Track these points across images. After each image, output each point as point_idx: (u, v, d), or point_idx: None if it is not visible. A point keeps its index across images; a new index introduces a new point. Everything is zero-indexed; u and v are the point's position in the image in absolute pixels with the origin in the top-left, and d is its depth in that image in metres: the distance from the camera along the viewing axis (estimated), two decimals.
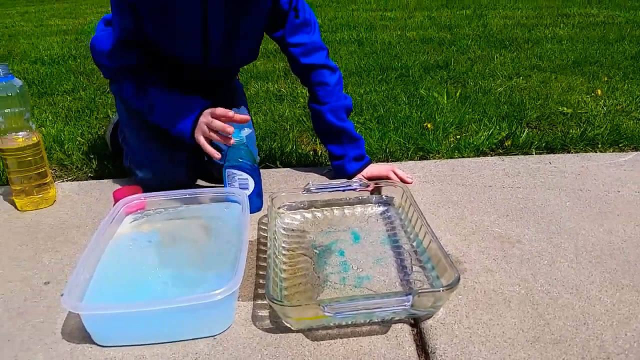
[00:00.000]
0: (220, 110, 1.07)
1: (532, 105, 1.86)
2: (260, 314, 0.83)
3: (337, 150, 1.29)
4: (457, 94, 2.08)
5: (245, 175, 1.12)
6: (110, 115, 1.87)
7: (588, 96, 1.97)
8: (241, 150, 1.11)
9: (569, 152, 1.47)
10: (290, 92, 2.19)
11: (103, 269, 0.87)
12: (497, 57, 2.69)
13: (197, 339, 0.78)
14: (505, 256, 0.97)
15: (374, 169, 1.28)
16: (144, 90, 1.14)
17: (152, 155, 1.23)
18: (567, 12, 4.23)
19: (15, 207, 1.22)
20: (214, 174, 1.29)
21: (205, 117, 1.07)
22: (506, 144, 1.50)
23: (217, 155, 1.06)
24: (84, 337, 0.79)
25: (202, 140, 1.07)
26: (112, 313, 0.75)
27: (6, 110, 1.15)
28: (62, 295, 0.90)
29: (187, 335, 0.77)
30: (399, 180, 1.24)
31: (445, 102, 2.00)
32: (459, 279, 0.78)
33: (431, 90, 2.15)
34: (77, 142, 1.60)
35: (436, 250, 0.88)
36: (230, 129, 1.05)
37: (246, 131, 1.13)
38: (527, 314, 0.81)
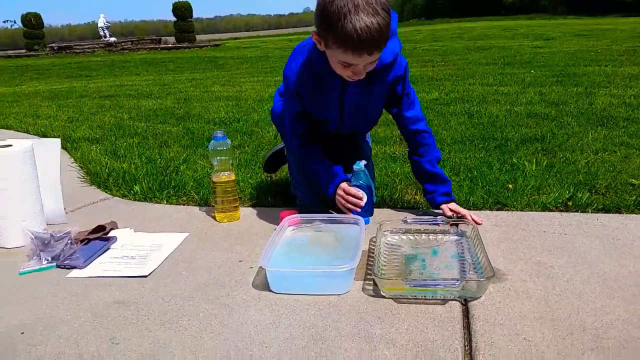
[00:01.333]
0: (352, 191, 1.72)
1: (605, 176, 2.22)
2: (367, 287, 1.36)
3: (430, 187, 1.82)
4: (544, 163, 2.48)
5: (362, 192, 1.70)
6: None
7: None
8: (361, 174, 1.71)
9: (620, 214, 1.83)
10: (402, 155, 2.74)
11: (277, 255, 1.47)
12: (591, 134, 3.03)
13: (329, 295, 1.33)
14: (537, 274, 1.40)
15: (455, 205, 1.78)
16: (304, 167, 1.84)
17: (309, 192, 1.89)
18: None
19: (215, 219, 1.90)
20: None
21: (340, 191, 1.73)
22: (569, 204, 1.91)
23: (357, 209, 1.71)
24: (265, 287, 1.38)
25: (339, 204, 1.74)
26: (285, 271, 1.35)
27: (219, 158, 1.85)
28: (251, 267, 1.51)
29: (324, 291, 1.33)
30: (472, 220, 1.72)
31: (534, 169, 2.42)
32: (493, 275, 1.26)
33: (522, 159, 2.58)
34: (248, 183, 2.29)
35: (486, 263, 1.35)
36: (359, 203, 1.71)
37: (364, 162, 1.73)
38: (539, 305, 1.25)
